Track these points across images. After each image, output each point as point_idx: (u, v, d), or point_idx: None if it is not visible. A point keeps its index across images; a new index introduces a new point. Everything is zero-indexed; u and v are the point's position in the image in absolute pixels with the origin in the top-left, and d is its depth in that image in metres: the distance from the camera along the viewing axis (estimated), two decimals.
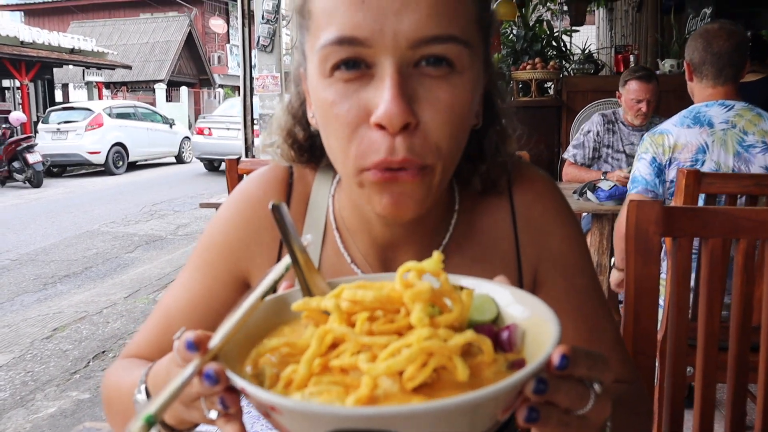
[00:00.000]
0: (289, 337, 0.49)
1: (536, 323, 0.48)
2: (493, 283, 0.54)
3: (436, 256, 0.49)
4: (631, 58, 5.31)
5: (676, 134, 2.10)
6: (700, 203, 1.91)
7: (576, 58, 6.05)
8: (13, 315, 4.31)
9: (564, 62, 6.14)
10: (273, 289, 0.52)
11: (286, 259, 0.53)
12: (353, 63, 0.59)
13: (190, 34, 24.74)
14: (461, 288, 0.50)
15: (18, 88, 17.24)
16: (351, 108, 0.60)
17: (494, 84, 0.72)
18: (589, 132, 3.49)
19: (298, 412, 0.39)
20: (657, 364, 1.40)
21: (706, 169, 2.05)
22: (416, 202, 0.63)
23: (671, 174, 2.12)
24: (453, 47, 0.59)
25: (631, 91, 3.30)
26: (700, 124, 2.09)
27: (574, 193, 2.81)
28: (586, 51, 5.99)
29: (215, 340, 0.46)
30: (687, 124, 2.11)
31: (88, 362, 3.45)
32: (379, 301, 0.45)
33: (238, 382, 0.42)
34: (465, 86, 0.61)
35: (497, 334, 0.48)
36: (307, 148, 0.76)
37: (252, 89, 5.51)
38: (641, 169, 2.17)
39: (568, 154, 3.54)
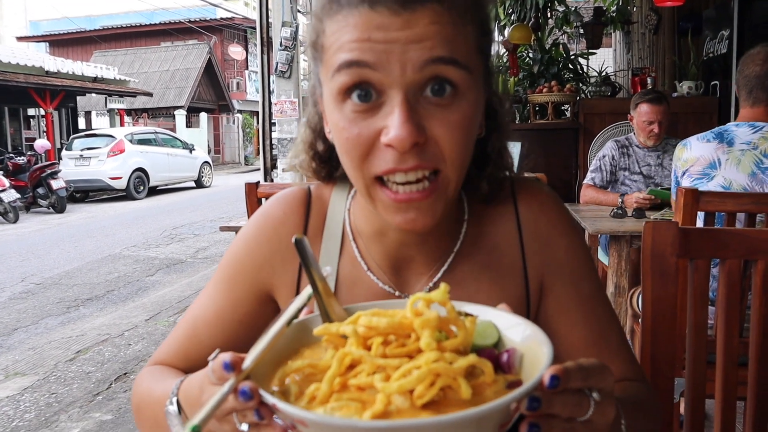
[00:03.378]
0: (311, 359, 0.54)
1: (533, 347, 0.53)
2: (495, 309, 0.59)
3: (443, 287, 0.54)
4: (648, 80, 5.32)
5: (694, 148, 2.18)
6: (699, 222, 1.93)
7: (593, 80, 6.07)
8: (37, 338, 4.37)
9: (581, 85, 6.18)
10: (296, 316, 0.57)
11: (308, 289, 0.58)
12: (365, 93, 0.64)
13: (209, 61, 25.16)
14: (466, 314, 0.55)
15: (43, 116, 17.63)
16: (362, 132, 0.65)
17: (495, 93, 0.76)
18: (604, 156, 3.55)
19: (323, 425, 0.45)
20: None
21: (714, 184, 2.09)
22: (431, 216, 0.68)
23: (685, 184, 2.19)
24: (455, 71, 0.63)
25: (642, 113, 3.36)
26: (720, 140, 2.14)
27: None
28: (603, 73, 6.01)
29: (247, 361, 0.51)
30: (708, 138, 2.17)
31: (111, 384, 3.49)
32: (392, 327, 0.51)
33: (269, 398, 0.48)
34: (469, 106, 0.66)
35: (498, 357, 0.53)
36: (327, 159, 0.81)
37: (271, 114, 5.60)
38: (672, 181, 2.31)
39: (588, 178, 3.59)
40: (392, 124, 0.62)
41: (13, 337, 4.42)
